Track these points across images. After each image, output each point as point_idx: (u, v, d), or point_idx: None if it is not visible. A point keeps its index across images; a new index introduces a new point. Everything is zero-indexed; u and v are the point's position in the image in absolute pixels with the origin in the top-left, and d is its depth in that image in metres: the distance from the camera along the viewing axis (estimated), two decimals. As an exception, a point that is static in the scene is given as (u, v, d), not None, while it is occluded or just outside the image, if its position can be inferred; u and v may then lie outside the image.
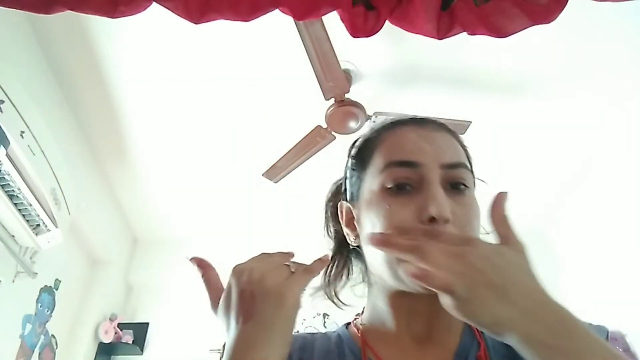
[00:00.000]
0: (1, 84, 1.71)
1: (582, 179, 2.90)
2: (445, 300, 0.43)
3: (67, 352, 2.73)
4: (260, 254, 0.51)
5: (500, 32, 0.94)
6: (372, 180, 0.57)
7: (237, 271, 0.50)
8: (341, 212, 0.64)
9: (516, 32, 0.94)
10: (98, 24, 2.04)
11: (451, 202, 0.52)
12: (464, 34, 0.97)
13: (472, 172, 0.59)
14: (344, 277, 0.67)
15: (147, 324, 3.20)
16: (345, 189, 0.65)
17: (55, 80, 2.31)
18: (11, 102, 1.76)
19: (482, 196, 0.59)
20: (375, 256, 0.56)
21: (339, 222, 0.65)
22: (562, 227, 3.28)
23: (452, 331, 0.57)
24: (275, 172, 2.59)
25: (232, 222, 3.39)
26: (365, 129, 2.42)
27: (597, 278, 2.82)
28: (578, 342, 0.39)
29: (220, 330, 0.49)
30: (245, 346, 0.45)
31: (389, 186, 0.55)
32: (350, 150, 0.66)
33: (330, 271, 0.67)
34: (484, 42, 1.11)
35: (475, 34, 0.95)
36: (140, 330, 3.14)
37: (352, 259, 0.68)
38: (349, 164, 0.65)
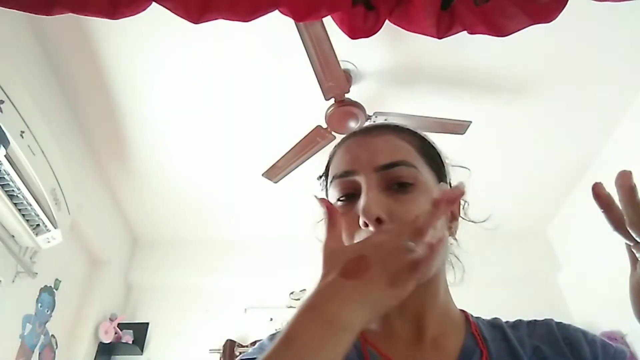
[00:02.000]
0: (1, 84, 1.71)
1: (582, 178, 2.90)
2: None
3: (67, 352, 2.73)
4: (397, 227, 0.48)
5: (500, 32, 0.94)
6: (330, 194, 0.61)
7: (371, 238, 0.48)
8: None
9: (516, 32, 0.94)
10: (98, 23, 2.04)
11: (391, 201, 0.54)
12: (464, 33, 0.97)
13: (433, 166, 0.61)
14: None
15: (147, 324, 3.20)
16: None
17: (55, 80, 2.31)
18: (11, 102, 1.76)
19: (478, 193, 0.60)
20: None
21: None
22: (562, 227, 3.28)
23: (449, 335, 0.56)
24: (275, 172, 2.59)
25: (232, 222, 3.39)
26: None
27: (597, 278, 2.82)
28: None
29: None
30: (329, 296, 0.42)
31: (338, 197, 0.58)
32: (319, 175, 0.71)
33: None
34: (484, 42, 1.11)
35: (475, 33, 0.95)
36: (140, 330, 3.14)
37: None
38: (320, 184, 0.69)
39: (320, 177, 0.68)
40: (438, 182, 0.61)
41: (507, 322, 0.61)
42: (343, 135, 0.66)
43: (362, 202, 0.53)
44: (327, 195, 0.64)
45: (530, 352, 0.55)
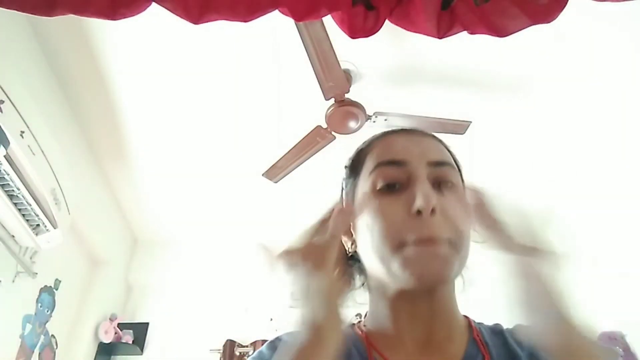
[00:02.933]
0: (1, 84, 1.71)
1: (582, 178, 2.90)
2: None
3: (67, 352, 2.73)
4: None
5: (500, 32, 0.94)
6: (364, 183, 0.60)
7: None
8: None
9: (516, 32, 0.95)
10: (98, 24, 2.04)
11: (439, 196, 0.55)
12: (464, 33, 0.97)
13: (460, 173, 0.62)
14: (347, 287, 0.67)
15: (147, 324, 3.20)
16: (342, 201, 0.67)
17: (55, 80, 2.31)
18: (11, 102, 1.76)
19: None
20: (369, 257, 0.57)
21: None
22: (562, 227, 3.27)
23: (453, 340, 0.57)
24: (275, 172, 2.59)
25: (233, 223, 3.39)
26: (365, 129, 2.40)
27: (597, 278, 2.82)
28: None
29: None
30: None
31: (380, 186, 0.57)
32: (346, 165, 0.69)
33: None
34: (484, 42, 1.11)
35: (475, 34, 0.95)
36: (140, 330, 3.14)
37: (352, 267, 0.67)
38: (344, 174, 0.67)
39: (349, 166, 0.67)
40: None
41: (507, 328, 0.61)
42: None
43: (419, 191, 0.53)
44: (349, 185, 0.64)
45: (528, 356, 0.55)
